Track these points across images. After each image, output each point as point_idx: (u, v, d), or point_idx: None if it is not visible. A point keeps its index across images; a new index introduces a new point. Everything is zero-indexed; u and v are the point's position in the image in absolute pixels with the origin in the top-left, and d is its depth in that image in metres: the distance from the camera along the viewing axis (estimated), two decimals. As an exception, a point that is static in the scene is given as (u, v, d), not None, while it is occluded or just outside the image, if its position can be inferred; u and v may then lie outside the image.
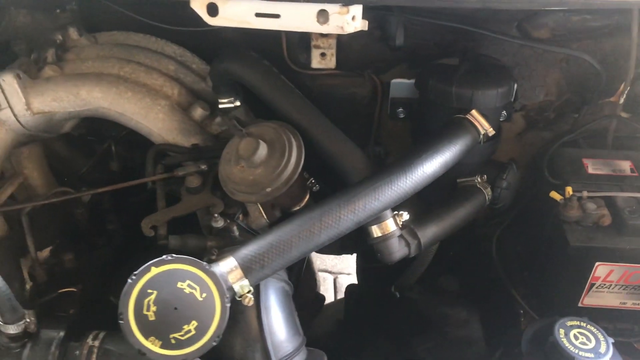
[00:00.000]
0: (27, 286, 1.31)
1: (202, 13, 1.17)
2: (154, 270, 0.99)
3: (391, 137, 1.64)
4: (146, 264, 0.99)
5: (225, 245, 1.24)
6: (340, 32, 1.17)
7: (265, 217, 1.29)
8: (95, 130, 1.73)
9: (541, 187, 1.49)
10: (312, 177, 1.35)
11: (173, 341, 0.97)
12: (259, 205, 1.28)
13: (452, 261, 1.71)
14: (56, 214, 1.49)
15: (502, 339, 1.52)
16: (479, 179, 1.42)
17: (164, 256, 1.00)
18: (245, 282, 1.04)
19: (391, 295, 1.71)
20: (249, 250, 1.06)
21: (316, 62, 1.49)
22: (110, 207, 1.60)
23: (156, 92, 1.41)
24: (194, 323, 0.98)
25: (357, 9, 1.16)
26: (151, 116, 1.37)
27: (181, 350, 0.97)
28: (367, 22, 1.19)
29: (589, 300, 1.41)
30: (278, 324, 1.18)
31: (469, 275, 1.70)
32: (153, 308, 0.97)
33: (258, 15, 1.16)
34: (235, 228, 1.25)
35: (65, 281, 1.38)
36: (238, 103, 1.44)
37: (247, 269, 1.04)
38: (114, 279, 1.43)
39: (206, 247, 1.26)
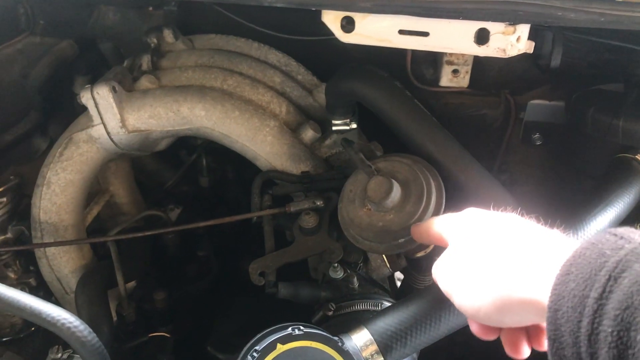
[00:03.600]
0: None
1: (335, 28, 0.99)
2: (280, 348, 0.81)
3: (521, 165, 1.42)
4: (271, 339, 0.82)
5: (342, 298, 1.07)
6: (501, 55, 0.97)
7: (388, 266, 1.11)
8: (183, 140, 1.59)
9: None
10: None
11: None
12: (383, 252, 1.10)
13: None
14: (145, 238, 1.33)
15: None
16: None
17: (290, 328, 0.83)
18: (384, 363, 0.85)
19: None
20: (387, 323, 0.87)
21: (446, 80, 1.28)
22: (202, 231, 1.44)
23: (263, 110, 1.23)
24: (326, 415, 0.80)
25: (524, 29, 0.95)
26: (259, 139, 1.20)
27: None
28: (533, 43, 0.98)
29: None
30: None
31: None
32: (278, 395, 0.80)
33: (402, 32, 0.97)
34: (355, 279, 1.08)
35: (155, 321, 1.23)
36: (354, 125, 1.26)
37: (385, 346, 0.86)
38: (213, 325, 1.28)
39: (320, 299, 1.09)
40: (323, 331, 0.85)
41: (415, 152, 1.08)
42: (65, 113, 1.74)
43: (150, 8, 1.53)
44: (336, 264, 1.06)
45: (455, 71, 1.27)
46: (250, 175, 1.46)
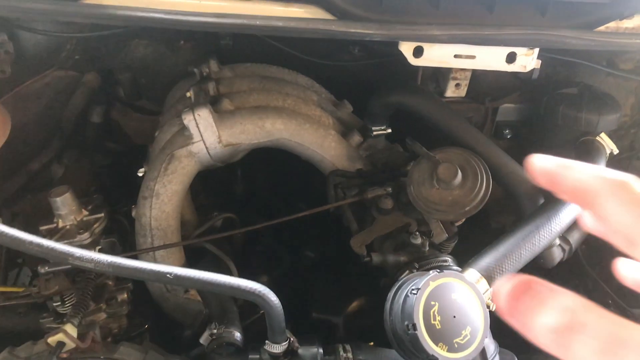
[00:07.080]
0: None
1: (408, 55, 1.32)
2: (432, 285, 1.12)
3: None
4: (424, 279, 1.12)
5: (416, 260, 1.39)
6: (522, 70, 1.37)
7: (445, 232, 1.45)
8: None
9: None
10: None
11: (456, 345, 1.11)
12: (439, 222, 1.45)
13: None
14: (222, 238, 1.55)
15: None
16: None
17: (432, 272, 1.15)
18: (491, 290, 1.20)
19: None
20: (486, 261, 1.22)
21: (450, 92, 1.67)
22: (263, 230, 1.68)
23: (319, 122, 1.53)
24: (469, 328, 1.12)
25: (537, 51, 1.36)
26: (326, 145, 1.49)
27: (463, 352, 1.11)
28: (540, 61, 1.40)
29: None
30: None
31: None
32: (438, 318, 1.11)
33: (456, 56, 1.34)
34: (428, 244, 1.41)
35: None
36: (389, 130, 1.60)
37: (490, 278, 1.21)
38: (312, 296, 1.53)
39: (399, 263, 1.40)
40: (455, 271, 1.17)
41: (457, 144, 1.45)
42: (75, 140, 1.87)
43: (182, 42, 1.74)
44: (417, 233, 1.39)
45: (457, 85, 1.66)
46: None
